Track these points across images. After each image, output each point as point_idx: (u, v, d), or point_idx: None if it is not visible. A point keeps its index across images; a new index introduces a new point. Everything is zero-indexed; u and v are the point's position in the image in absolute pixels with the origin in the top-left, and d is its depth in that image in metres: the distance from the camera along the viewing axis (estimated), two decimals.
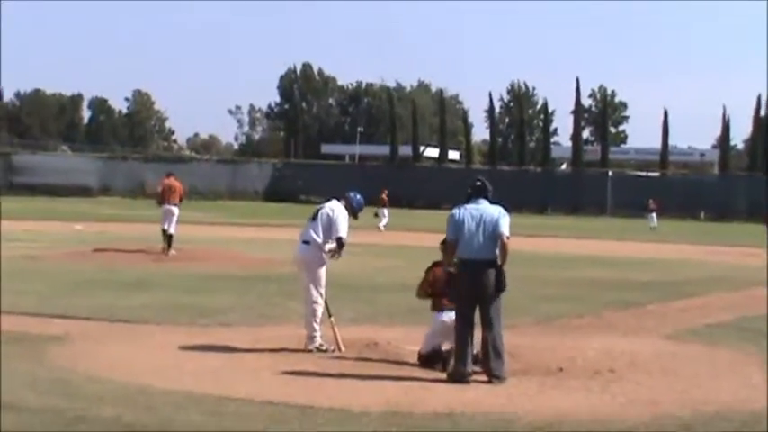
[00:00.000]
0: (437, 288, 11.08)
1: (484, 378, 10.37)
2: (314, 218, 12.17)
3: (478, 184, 10.93)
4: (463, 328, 10.46)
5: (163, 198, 27.04)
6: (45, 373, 10.03)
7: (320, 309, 11.97)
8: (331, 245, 11.99)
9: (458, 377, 10.28)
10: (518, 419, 8.57)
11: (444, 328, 10.80)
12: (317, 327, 11.87)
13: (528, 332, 13.78)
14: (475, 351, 10.56)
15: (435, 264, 11.24)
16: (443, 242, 10.92)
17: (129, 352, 11.56)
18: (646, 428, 8.39)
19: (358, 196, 12.63)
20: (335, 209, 12.18)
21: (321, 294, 12.02)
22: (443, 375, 10.45)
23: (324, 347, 11.72)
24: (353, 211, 12.43)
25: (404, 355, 11.62)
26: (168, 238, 26.18)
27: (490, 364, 10.38)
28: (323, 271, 12.05)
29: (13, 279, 18.35)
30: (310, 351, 11.69)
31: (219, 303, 16.08)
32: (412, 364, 11.05)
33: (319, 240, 11.98)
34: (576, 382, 10.36)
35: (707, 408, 9.23)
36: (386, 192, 46.78)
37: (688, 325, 15.45)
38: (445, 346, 10.88)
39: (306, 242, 12.11)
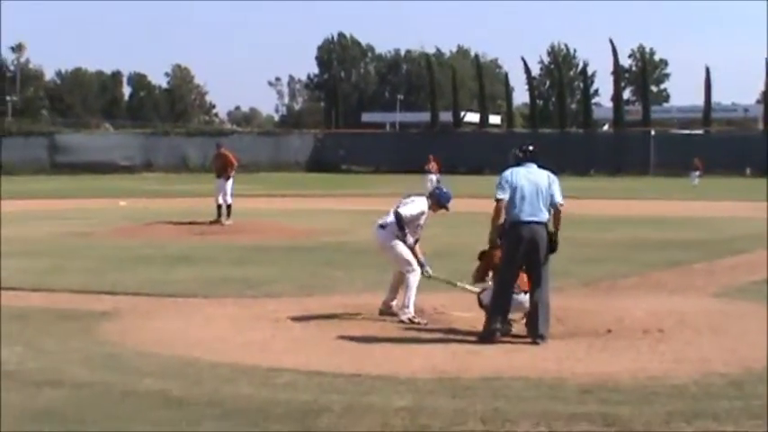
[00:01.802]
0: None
1: (530, 341, 10.39)
2: (397, 207, 12.16)
3: (531, 148, 10.96)
4: (504, 289, 10.52)
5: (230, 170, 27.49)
6: (94, 349, 10.11)
7: (416, 277, 11.85)
8: (410, 239, 12.01)
9: (488, 336, 10.39)
10: (567, 382, 8.54)
11: (513, 303, 10.71)
12: (411, 298, 11.73)
13: (574, 295, 13.73)
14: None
15: (493, 246, 11.13)
16: (480, 256, 11.06)
17: (177, 326, 11.63)
18: (696, 387, 8.34)
19: (444, 189, 12.66)
20: (416, 198, 12.27)
21: (409, 262, 11.92)
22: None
23: (416, 320, 11.59)
24: (442, 204, 12.35)
25: (450, 320, 11.64)
26: (229, 207, 26.93)
27: (537, 325, 10.41)
28: (401, 246, 11.96)
29: (60, 256, 18.53)
30: (402, 322, 11.58)
31: (265, 275, 16.13)
32: (458, 331, 11.06)
33: (395, 228, 11.94)
34: (625, 343, 10.33)
35: (757, 365, 9.17)
36: (432, 157, 47.18)
37: (736, 283, 15.34)
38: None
39: (381, 226, 12.12)
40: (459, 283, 12.45)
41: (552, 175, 10.81)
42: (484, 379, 8.67)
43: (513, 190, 10.54)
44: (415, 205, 12.12)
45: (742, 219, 29.75)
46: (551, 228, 10.66)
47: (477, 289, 11.97)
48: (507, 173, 10.73)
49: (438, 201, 12.37)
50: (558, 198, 10.66)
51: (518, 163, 10.83)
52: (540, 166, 10.86)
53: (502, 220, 10.63)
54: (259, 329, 11.29)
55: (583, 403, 7.86)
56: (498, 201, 10.59)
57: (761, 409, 7.68)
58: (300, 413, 7.58)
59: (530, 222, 10.49)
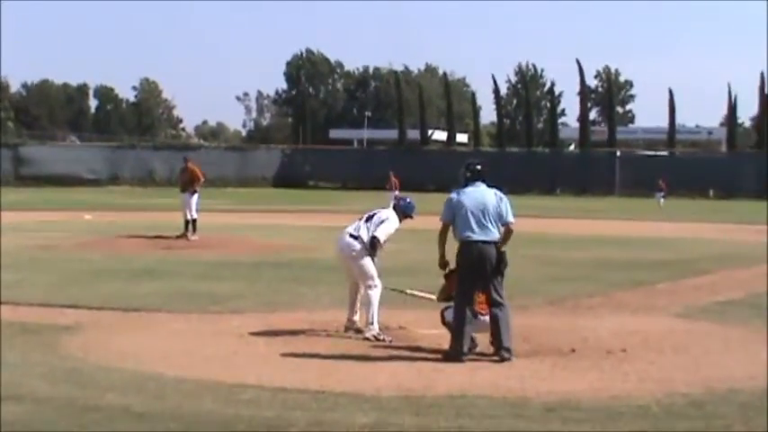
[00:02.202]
0: None
1: (496, 359, 10.43)
2: (368, 219, 12.18)
3: (479, 167, 11.03)
4: (462, 308, 10.57)
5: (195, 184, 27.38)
6: (57, 363, 10.05)
7: (377, 293, 11.85)
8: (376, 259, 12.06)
9: (454, 356, 10.42)
10: (531, 400, 8.57)
11: (477, 324, 10.72)
12: (375, 314, 11.74)
13: (539, 313, 13.78)
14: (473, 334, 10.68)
15: (442, 266, 11.13)
16: (446, 275, 11.09)
17: (141, 340, 11.58)
18: (658, 407, 8.39)
19: (407, 200, 12.68)
20: (389, 215, 12.23)
21: (373, 278, 11.91)
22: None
23: (381, 337, 11.58)
24: (407, 214, 12.41)
25: (415, 338, 11.64)
26: (194, 222, 26.76)
27: (500, 340, 10.45)
28: (368, 259, 11.98)
29: (23, 269, 18.39)
30: (367, 339, 11.58)
31: (230, 290, 16.08)
32: (423, 348, 11.06)
33: (367, 242, 11.97)
34: (588, 363, 10.37)
35: (719, 385, 9.24)
36: (393, 174, 47.24)
37: (699, 303, 15.44)
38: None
39: (353, 236, 12.08)
40: (408, 291, 12.43)
41: (500, 194, 10.90)
42: (448, 397, 8.68)
43: (460, 210, 10.65)
44: (390, 224, 12.11)
45: (706, 240, 29.96)
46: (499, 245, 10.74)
47: (429, 295, 12.05)
48: (453, 194, 10.89)
49: (404, 212, 12.40)
50: (510, 217, 10.76)
51: (466, 183, 10.92)
52: (488, 186, 10.93)
53: (444, 240, 10.76)
54: (223, 345, 11.25)
55: (546, 422, 7.89)
56: (443, 222, 10.78)
57: (722, 429, 7.74)
58: (264, 429, 7.56)
59: (477, 241, 10.58)
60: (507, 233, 10.77)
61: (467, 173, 10.97)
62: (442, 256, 10.92)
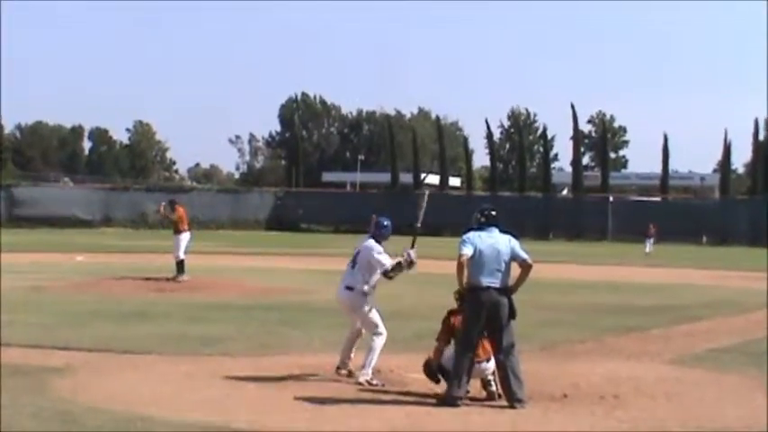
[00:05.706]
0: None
1: (491, 404, 10.40)
2: (353, 265, 12.15)
3: (493, 213, 10.91)
4: (465, 353, 10.48)
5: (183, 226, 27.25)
6: (46, 405, 9.98)
7: (382, 341, 11.83)
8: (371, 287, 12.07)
9: (450, 401, 10.33)
10: None
11: (474, 370, 10.67)
12: (373, 361, 11.70)
13: (531, 358, 13.69)
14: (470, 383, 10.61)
15: (451, 312, 11.02)
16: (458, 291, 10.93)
17: (131, 382, 11.53)
18: None
19: (384, 223, 12.62)
20: (373, 250, 12.17)
21: (377, 325, 11.92)
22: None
23: (373, 382, 11.52)
24: (385, 238, 12.43)
25: (407, 381, 11.60)
26: (182, 263, 26.59)
27: (512, 389, 10.37)
28: (372, 309, 12.02)
29: (15, 310, 18.31)
30: (359, 383, 11.51)
31: (221, 333, 16.03)
32: (415, 393, 11.02)
33: (362, 287, 11.97)
34: (581, 408, 10.34)
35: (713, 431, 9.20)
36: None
37: (692, 349, 15.42)
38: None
39: (349, 288, 12.07)
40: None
41: (513, 239, 10.82)
42: None
43: (474, 253, 10.54)
44: (379, 257, 12.06)
45: (699, 286, 29.97)
46: (514, 285, 10.66)
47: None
48: (470, 234, 10.70)
49: (387, 237, 12.45)
50: (527, 256, 10.67)
51: (480, 227, 10.83)
52: (501, 231, 10.85)
53: (466, 275, 10.56)
54: (214, 388, 11.21)
55: None
56: (461, 256, 10.50)
57: None
58: None
59: (488, 288, 10.49)
60: (526, 271, 10.67)
61: (481, 218, 10.84)
62: (462, 287, 10.65)
